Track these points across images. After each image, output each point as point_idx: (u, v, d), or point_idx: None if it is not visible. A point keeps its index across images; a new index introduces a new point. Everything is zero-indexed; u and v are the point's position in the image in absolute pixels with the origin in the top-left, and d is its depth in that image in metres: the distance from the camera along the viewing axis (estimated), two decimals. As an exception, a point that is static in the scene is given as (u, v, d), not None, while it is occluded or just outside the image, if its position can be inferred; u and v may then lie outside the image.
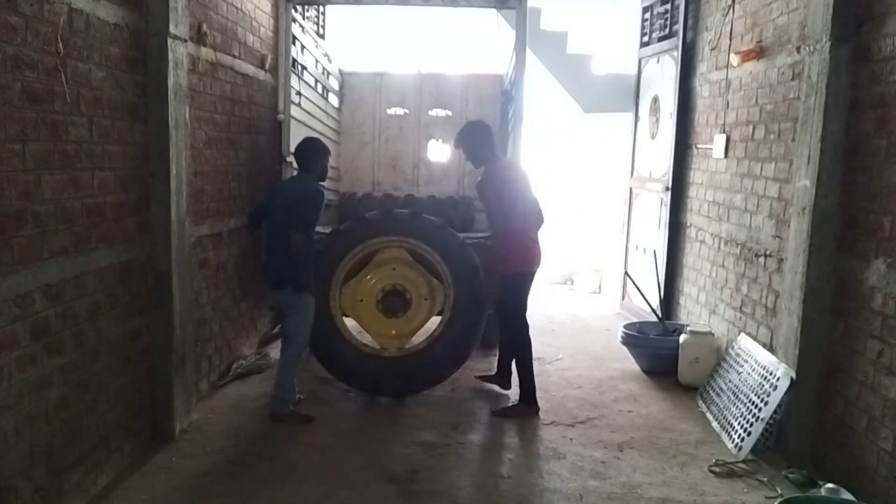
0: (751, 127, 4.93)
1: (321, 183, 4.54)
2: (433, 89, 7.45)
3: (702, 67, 5.98)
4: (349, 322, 4.99)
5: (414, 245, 4.87)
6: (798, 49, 4.15)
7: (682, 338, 5.23)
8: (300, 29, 5.98)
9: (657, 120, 6.73)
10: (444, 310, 4.93)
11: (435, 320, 5.06)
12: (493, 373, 5.18)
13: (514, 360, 4.83)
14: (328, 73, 7.05)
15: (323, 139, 6.79)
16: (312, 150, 4.54)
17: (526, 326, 4.74)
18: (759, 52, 4.81)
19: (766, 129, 4.67)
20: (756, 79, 4.88)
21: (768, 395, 4.03)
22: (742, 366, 4.56)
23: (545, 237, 4.91)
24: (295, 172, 4.72)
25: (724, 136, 5.36)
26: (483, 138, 4.72)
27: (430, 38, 8.60)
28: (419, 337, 5.03)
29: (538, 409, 4.69)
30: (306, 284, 4.36)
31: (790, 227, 4.06)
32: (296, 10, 5.82)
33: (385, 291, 4.98)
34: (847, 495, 3.32)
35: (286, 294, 4.39)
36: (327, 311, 4.77)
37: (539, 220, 4.82)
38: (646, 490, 3.67)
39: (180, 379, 4.11)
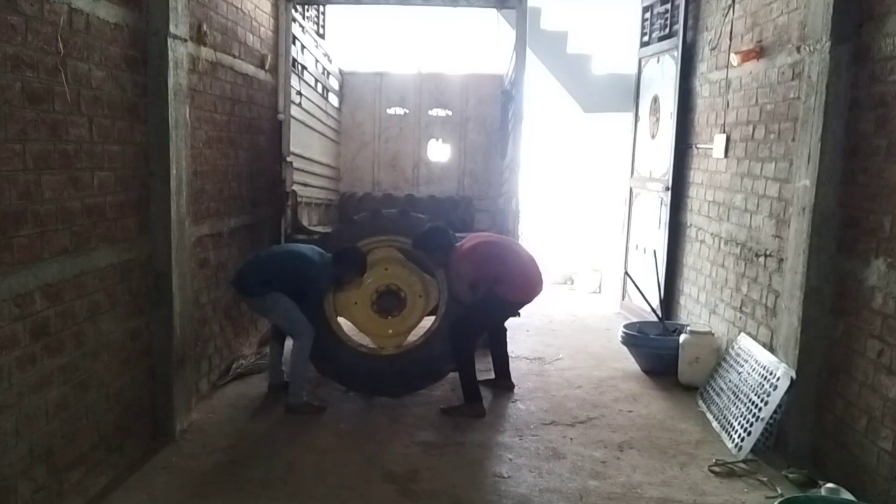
0: (751, 127, 4.92)
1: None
2: (433, 89, 7.45)
3: (702, 67, 5.97)
4: (345, 322, 4.99)
5: (404, 244, 4.88)
6: (798, 49, 4.15)
7: (682, 338, 5.22)
8: (300, 29, 5.98)
9: (657, 120, 6.72)
10: (439, 305, 4.93)
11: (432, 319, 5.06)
12: (493, 377, 5.15)
13: (459, 365, 4.68)
14: (328, 73, 7.04)
15: (323, 139, 6.82)
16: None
17: (475, 344, 4.74)
18: (759, 52, 4.81)
19: (766, 129, 4.67)
20: (756, 79, 4.88)
21: (768, 395, 4.03)
22: (742, 366, 4.56)
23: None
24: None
25: (724, 136, 5.36)
26: (436, 241, 4.68)
27: (430, 38, 8.60)
28: (415, 336, 5.03)
29: (483, 411, 4.60)
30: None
31: (790, 227, 4.06)
32: (296, 10, 5.82)
33: (379, 292, 4.97)
34: (847, 495, 3.31)
35: (255, 301, 4.63)
36: (322, 314, 4.77)
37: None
38: (646, 490, 3.67)
39: (180, 379, 4.10)
